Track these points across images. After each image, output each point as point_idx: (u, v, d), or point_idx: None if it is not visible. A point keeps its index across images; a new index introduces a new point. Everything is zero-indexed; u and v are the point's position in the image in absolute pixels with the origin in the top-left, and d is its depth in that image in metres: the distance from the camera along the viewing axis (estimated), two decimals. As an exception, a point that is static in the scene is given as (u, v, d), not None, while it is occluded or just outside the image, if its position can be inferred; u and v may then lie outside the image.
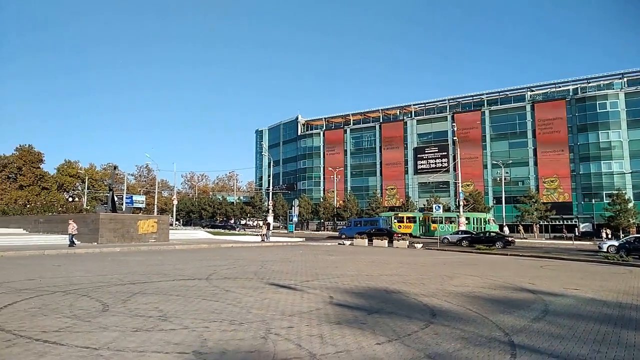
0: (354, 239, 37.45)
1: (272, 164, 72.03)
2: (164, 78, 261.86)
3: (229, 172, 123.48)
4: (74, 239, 26.12)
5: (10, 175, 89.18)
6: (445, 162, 75.62)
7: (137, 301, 8.93)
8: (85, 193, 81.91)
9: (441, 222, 52.74)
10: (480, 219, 51.15)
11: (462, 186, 54.07)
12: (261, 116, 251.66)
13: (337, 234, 54.23)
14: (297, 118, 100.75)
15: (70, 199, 79.18)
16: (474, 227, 48.75)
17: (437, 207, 50.09)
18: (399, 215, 56.51)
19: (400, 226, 52.77)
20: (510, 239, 35.02)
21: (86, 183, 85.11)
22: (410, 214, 56.83)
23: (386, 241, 35.07)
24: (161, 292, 10.13)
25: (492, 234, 37.93)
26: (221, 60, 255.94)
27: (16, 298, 9.06)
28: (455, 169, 61.56)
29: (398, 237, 39.02)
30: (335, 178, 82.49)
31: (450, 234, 40.73)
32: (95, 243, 28.83)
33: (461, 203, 49.48)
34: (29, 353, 5.30)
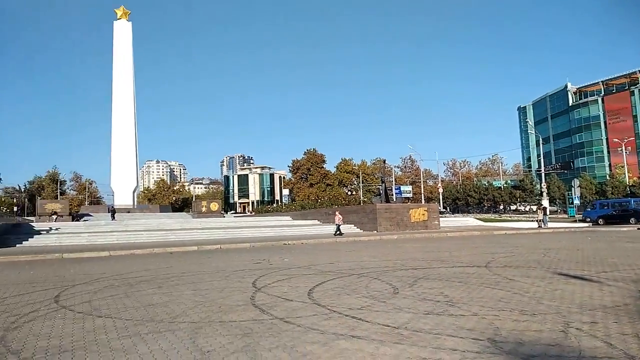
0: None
1: (540, 142, 65.38)
2: (418, 74, 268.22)
3: (492, 156, 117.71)
4: (340, 228, 29.14)
5: (303, 176, 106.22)
6: None
7: (423, 286, 9.43)
8: (361, 187, 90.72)
9: None
10: None
11: None
12: (522, 91, 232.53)
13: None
14: (566, 87, 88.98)
15: (349, 193, 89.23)
16: None
17: None
18: None
19: None
20: None
21: (360, 177, 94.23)
22: None
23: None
24: (443, 278, 10.44)
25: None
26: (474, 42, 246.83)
27: (323, 279, 10.73)
28: None
29: None
30: (624, 151, 69.50)
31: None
32: (375, 231, 31.68)
33: None
34: (343, 326, 6.21)
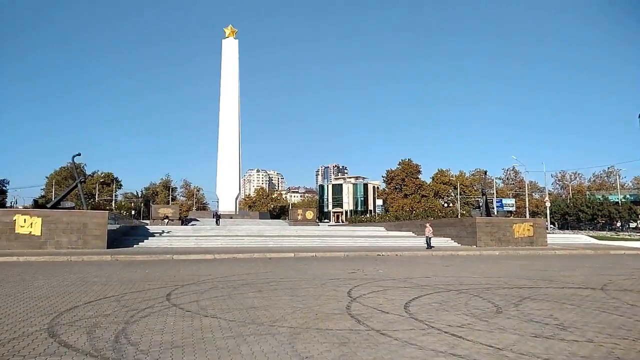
0: None
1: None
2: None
3: (608, 168, 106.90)
4: (430, 241, 28.05)
5: (397, 186, 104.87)
6: None
7: (529, 306, 8.81)
8: (458, 199, 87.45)
9: None
10: None
11: None
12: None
13: None
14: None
15: (445, 205, 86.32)
16: None
17: None
18: None
19: None
20: None
21: (458, 189, 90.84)
22: None
23: None
24: (552, 299, 9.68)
25: None
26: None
27: (419, 293, 10.47)
28: None
29: None
30: None
31: None
32: (474, 246, 30.27)
33: None
34: (442, 343, 6.00)
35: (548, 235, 35.94)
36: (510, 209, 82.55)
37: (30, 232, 24.18)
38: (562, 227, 79.36)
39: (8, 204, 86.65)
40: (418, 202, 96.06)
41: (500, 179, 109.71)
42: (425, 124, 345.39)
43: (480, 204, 37.20)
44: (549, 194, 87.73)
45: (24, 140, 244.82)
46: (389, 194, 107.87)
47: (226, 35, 69.68)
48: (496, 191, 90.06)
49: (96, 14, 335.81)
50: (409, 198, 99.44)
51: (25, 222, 24.24)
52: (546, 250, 28.35)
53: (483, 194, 37.77)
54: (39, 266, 17.08)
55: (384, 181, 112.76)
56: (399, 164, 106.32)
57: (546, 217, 66.67)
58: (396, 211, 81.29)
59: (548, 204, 68.67)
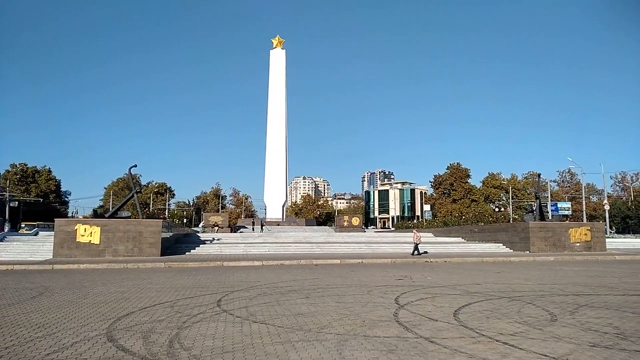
0: None
1: None
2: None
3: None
4: (418, 247, 27.11)
5: (445, 191, 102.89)
6: None
7: (586, 314, 8.44)
8: (510, 203, 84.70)
9: None
10: None
11: None
12: None
13: None
14: None
15: (497, 209, 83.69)
16: None
17: None
18: None
19: None
20: None
21: (510, 193, 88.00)
22: None
23: None
24: (611, 307, 9.22)
25: None
26: None
27: (469, 300, 10.23)
28: None
29: None
30: None
31: None
32: (527, 252, 29.26)
33: None
34: (493, 352, 5.85)
35: (607, 239, 34.17)
36: (566, 212, 78.75)
37: (90, 240, 25.46)
38: (622, 232, 75.03)
39: (69, 214, 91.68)
40: (467, 207, 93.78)
41: (555, 181, 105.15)
42: (474, 127, 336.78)
43: (534, 208, 35.81)
44: (608, 196, 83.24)
45: (83, 150, 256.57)
46: (436, 199, 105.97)
47: (274, 46, 70.80)
48: (551, 194, 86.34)
49: (152, 33, 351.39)
50: (457, 203, 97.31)
51: (85, 231, 25.56)
52: (605, 255, 26.94)
53: (537, 198, 36.35)
54: (98, 273, 17.97)
55: (432, 186, 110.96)
56: (447, 169, 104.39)
57: (605, 220, 63.31)
58: (444, 217, 79.72)
59: (607, 207, 65.14)
